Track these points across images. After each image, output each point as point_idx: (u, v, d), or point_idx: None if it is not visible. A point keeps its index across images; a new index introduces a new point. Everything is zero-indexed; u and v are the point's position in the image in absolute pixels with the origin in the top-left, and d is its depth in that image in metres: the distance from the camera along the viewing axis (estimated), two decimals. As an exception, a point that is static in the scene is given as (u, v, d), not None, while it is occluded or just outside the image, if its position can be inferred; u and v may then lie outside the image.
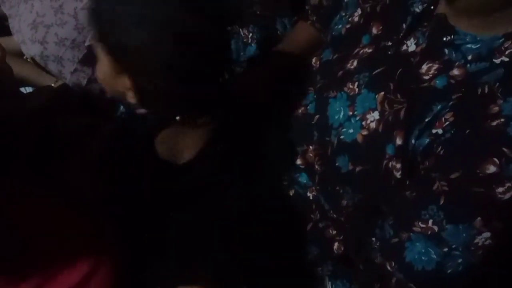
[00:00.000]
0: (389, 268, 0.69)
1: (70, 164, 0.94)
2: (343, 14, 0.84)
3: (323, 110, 0.79)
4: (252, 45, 0.99)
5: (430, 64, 0.67)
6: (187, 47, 0.67)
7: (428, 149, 0.64)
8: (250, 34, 0.98)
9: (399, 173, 0.67)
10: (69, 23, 1.12)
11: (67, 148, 0.96)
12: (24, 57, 1.21)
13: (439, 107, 0.64)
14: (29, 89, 1.26)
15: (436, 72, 0.66)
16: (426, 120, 0.64)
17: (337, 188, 0.78)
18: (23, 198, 0.75)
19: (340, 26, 0.83)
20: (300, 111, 0.86)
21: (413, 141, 0.66)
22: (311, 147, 0.82)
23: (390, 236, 0.69)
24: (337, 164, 0.74)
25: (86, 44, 1.12)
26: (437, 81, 0.65)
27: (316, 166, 0.81)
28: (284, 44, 0.99)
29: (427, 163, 0.64)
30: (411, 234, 0.66)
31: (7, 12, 1.24)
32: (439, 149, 0.62)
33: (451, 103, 0.63)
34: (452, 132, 0.62)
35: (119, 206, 0.90)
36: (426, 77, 0.66)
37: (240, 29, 0.98)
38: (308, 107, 0.85)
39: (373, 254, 0.73)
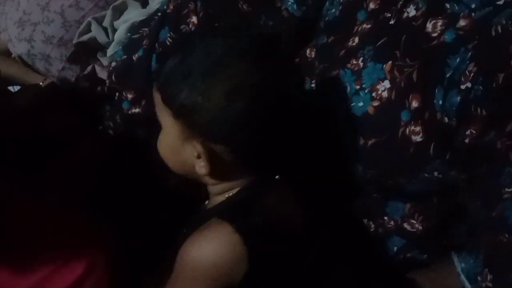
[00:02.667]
0: (504, 240, 0.65)
1: (57, 163, 0.94)
2: None
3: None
4: None
5: (434, 21, 0.67)
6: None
7: (464, 111, 0.63)
8: None
9: (420, 136, 0.67)
10: (56, 21, 1.11)
11: (55, 147, 0.96)
12: (12, 55, 1.21)
13: (457, 60, 0.63)
14: (17, 88, 1.26)
15: (443, 27, 0.66)
16: (447, 75, 0.64)
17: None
18: (12, 197, 0.75)
19: (333, 10, 0.83)
20: None
21: (440, 102, 0.65)
22: None
23: (487, 214, 0.67)
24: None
25: (74, 42, 1.12)
26: (446, 36, 0.65)
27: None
28: None
29: (474, 132, 0.63)
30: (505, 203, 0.64)
31: (-7, 10, 1.23)
32: (478, 110, 0.61)
33: (469, 54, 0.62)
34: (481, 80, 0.61)
35: (113, 206, 0.90)
36: (434, 35, 0.67)
37: (225, 25, 0.98)
38: None
39: (477, 237, 0.71)
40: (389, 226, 0.80)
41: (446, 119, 0.65)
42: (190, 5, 0.96)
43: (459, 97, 0.63)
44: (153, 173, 0.91)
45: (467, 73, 0.62)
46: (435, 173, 0.70)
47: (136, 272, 0.80)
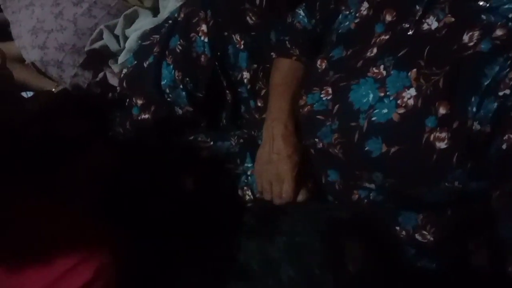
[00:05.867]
0: None
1: (68, 168, 0.95)
2: (347, 12, 0.84)
3: (344, 98, 0.78)
4: (244, 52, 1.00)
5: (471, 33, 0.67)
6: None
7: (500, 117, 0.63)
8: (242, 41, 0.99)
9: (444, 142, 0.67)
10: (69, 29, 1.13)
11: (66, 152, 0.97)
12: (25, 62, 1.23)
13: (496, 69, 0.64)
14: (30, 94, 1.28)
15: (479, 37, 0.66)
16: (485, 84, 0.64)
17: (357, 174, 0.77)
18: (22, 201, 0.76)
19: (347, 23, 0.84)
20: (306, 109, 0.85)
21: (474, 109, 0.65)
22: (316, 140, 0.82)
23: None
24: (366, 148, 0.73)
25: (86, 49, 1.14)
26: (482, 46, 0.66)
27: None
28: (279, 91, 0.93)
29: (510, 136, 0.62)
30: None
31: (9, 17, 1.25)
32: None
33: (509, 62, 0.63)
34: None
35: (122, 210, 0.91)
36: (471, 44, 0.67)
37: (233, 35, 0.99)
38: (314, 106, 0.84)
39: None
40: (401, 236, 0.80)
41: (478, 126, 0.65)
42: (200, 13, 0.97)
43: (496, 104, 0.63)
44: (163, 178, 0.92)
45: (507, 80, 0.63)
46: (456, 183, 0.70)
47: (145, 277, 0.81)
